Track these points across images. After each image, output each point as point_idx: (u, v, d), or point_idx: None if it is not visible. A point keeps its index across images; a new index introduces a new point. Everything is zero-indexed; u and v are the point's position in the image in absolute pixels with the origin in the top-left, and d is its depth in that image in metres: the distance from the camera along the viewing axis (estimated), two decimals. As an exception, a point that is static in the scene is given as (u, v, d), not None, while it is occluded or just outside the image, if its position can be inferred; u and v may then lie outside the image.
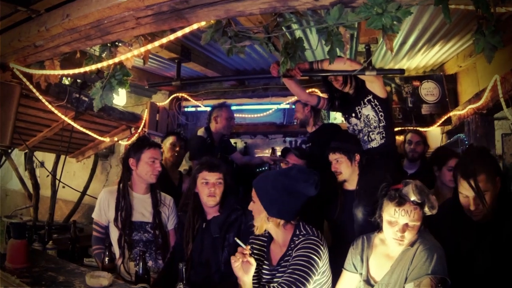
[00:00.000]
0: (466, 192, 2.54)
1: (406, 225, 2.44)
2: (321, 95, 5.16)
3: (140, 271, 2.88)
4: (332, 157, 3.57)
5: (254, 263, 2.54)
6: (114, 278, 2.59)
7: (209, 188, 3.18)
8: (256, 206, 2.71)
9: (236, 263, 2.53)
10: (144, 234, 3.46)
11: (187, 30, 2.86)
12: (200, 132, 5.08)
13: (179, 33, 2.95)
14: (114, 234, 3.45)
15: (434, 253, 2.36)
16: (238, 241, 2.66)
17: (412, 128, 5.52)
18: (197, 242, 3.21)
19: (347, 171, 3.53)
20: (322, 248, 2.58)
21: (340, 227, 3.56)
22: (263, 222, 2.70)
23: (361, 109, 3.79)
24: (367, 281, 2.62)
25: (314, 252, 2.54)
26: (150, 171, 3.48)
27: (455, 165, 2.79)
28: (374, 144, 3.74)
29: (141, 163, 3.48)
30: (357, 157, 3.54)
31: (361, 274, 2.68)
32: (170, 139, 4.92)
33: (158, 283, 3.14)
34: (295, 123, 6.27)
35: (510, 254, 2.42)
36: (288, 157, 4.24)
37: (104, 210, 3.51)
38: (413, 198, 2.44)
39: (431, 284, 2.31)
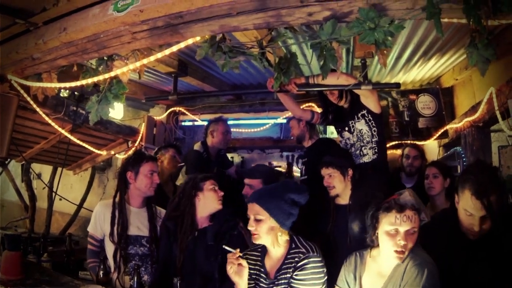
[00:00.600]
0: (474, 211, 2.47)
1: (408, 232, 2.41)
2: (316, 109, 5.19)
3: (135, 285, 2.87)
4: (325, 171, 3.54)
5: (246, 265, 2.66)
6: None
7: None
8: (265, 226, 2.68)
9: (231, 269, 2.62)
10: (140, 248, 3.44)
11: (182, 45, 2.88)
12: (197, 146, 5.08)
13: (175, 48, 2.96)
14: (109, 248, 3.43)
15: (424, 269, 2.33)
16: (227, 248, 2.71)
17: (410, 142, 5.52)
18: (188, 252, 3.20)
19: (340, 186, 3.49)
20: (324, 268, 2.64)
21: (332, 242, 3.52)
22: (275, 239, 2.71)
23: (355, 123, 3.81)
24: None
25: (320, 276, 2.60)
26: (149, 184, 3.47)
27: (459, 180, 2.67)
28: (366, 159, 3.76)
29: (140, 176, 3.47)
30: (350, 172, 3.51)
31: None
32: (170, 151, 4.89)
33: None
34: (292, 138, 6.30)
35: (509, 269, 2.41)
36: (245, 181, 4.05)
37: (99, 224, 3.49)
38: (412, 202, 2.45)
39: None
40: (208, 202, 3.32)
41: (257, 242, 2.77)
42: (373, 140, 3.72)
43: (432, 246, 2.58)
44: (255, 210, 2.71)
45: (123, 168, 3.58)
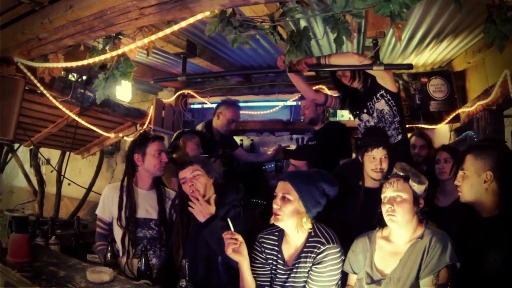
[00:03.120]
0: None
1: (394, 198, 2.50)
2: (328, 92, 5.11)
3: (142, 267, 2.86)
4: (380, 153, 3.32)
5: (243, 241, 2.64)
6: (115, 274, 2.56)
7: (188, 184, 3.10)
8: (291, 207, 2.64)
9: (229, 249, 2.61)
10: (149, 231, 3.43)
11: (191, 20, 2.81)
12: (199, 127, 5.05)
13: (183, 24, 2.90)
14: (117, 232, 3.42)
15: (448, 242, 2.37)
16: (229, 222, 2.70)
17: (416, 130, 5.45)
18: (193, 239, 3.15)
19: (386, 169, 3.29)
20: (342, 256, 2.65)
21: (360, 225, 3.35)
22: (299, 224, 2.66)
23: (374, 104, 3.73)
24: (372, 277, 2.56)
25: (338, 266, 2.61)
26: (157, 164, 3.46)
27: None
28: (392, 140, 3.67)
29: (147, 157, 3.45)
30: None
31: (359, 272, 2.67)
32: (195, 139, 4.63)
33: (160, 279, 3.10)
34: (301, 120, 6.23)
35: None
36: (292, 162, 4.07)
37: (107, 206, 3.48)
38: (394, 171, 2.58)
39: (448, 272, 2.34)
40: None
41: (279, 224, 2.71)
42: (395, 120, 3.65)
43: (450, 227, 2.65)
44: (285, 188, 2.67)
45: (129, 151, 3.56)
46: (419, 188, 2.50)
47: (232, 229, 2.67)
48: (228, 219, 2.73)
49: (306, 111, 4.90)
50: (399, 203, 2.50)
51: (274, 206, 2.67)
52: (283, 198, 2.65)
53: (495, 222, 2.47)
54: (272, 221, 2.76)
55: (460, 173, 2.61)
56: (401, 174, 2.54)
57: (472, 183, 2.53)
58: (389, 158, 3.32)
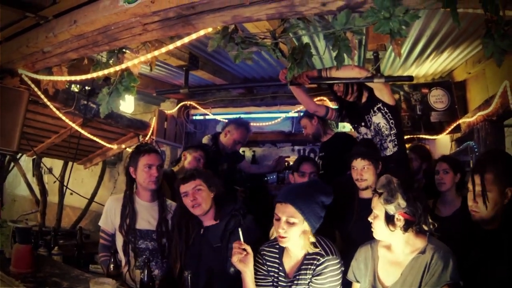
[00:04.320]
0: (470, 186, 2.49)
1: (372, 213, 2.58)
2: (330, 104, 5.14)
3: (145, 279, 2.87)
4: (360, 163, 3.39)
5: (251, 252, 2.63)
6: (118, 285, 2.58)
7: (190, 199, 3.10)
8: (297, 229, 2.62)
9: (235, 258, 2.61)
10: (151, 242, 3.43)
11: (194, 36, 2.86)
12: (205, 139, 5.06)
13: (186, 40, 2.94)
14: (119, 241, 3.43)
15: (449, 260, 2.35)
16: (240, 232, 2.69)
17: (416, 142, 5.47)
18: (194, 250, 3.15)
19: (371, 179, 3.36)
20: (342, 268, 2.65)
21: (355, 236, 3.35)
22: (306, 242, 2.67)
23: (371, 117, 3.76)
24: (374, 287, 2.58)
25: (338, 277, 2.61)
26: (147, 178, 3.43)
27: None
28: (387, 153, 3.71)
29: (139, 171, 3.45)
30: (380, 166, 3.41)
31: (361, 281, 2.68)
32: (197, 153, 4.55)
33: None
34: (303, 132, 6.25)
35: None
36: (303, 167, 4.06)
37: (111, 218, 3.50)
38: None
39: None
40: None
41: (285, 245, 2.71)
42: (391, 132, 3.67)
43: (452, 237, 2.62)
44: (288, 212, 2.62)
45: (126, 163, 3.59)
46: (389, 208, 2.45)
47: (242, 239, 2.68)
48: (240, 229, 2.73)
49: (305, 130, 4.91)
50: (374, 219, 2.56)
51: (280, 230, 2.62)
52: (288, 221, 2.62)
53: (497, 234, 2.46)
54: (274, 235, 2.78)
55: (486, 196, 2.44)
56: (378, 190, 2.54)
57: (496, 203, 2.42)
58: (374, 168, 3.38)
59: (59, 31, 3.12)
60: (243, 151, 6.67)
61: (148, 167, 3.43)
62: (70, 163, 6.48)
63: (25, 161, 8.79)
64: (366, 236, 2.74)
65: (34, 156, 7.22)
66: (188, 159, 4.51)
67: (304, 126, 4.90)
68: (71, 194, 6.80)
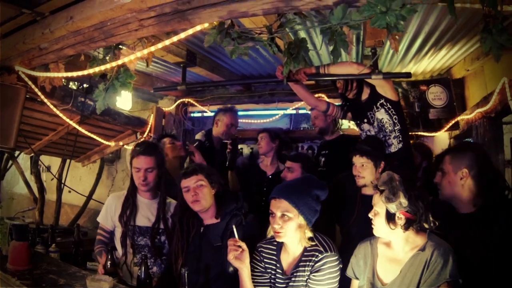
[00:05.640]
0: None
1: (373, 210, 2.60)
2: (328, 100, 5.12)
3: (142, 276, 2.86)
4: (358, 160, 3.40)
5: (246, 249, 2.64)
6: (115, 282, 2.57)
7: (191, 194, 3.07)
8: (292, 224, 2.63)
9: (231, 255, 2.61)
10: (150, 239, 3.43)
11: (190, 31, 2.84)
12: (199, 136, 5.04)
13: (183, 35, 2.92)
14: (118, 234, 3.44)
15: (449, 257, 2.34)
16: (234, 230, 2.70)
17: (416, 139, 5.46)
18: (194, 248, 3.13)
19: (369, 177, 3.35)
20: (340, 264, 2.65)
21: (355, 232, 3.37)
22: (302, 237, 2.67)
23: (374, 113, 3.73)
24: (373, 284, 2.57)
25: (336, 274, 2.62)
26: (136, 180, 3.45)
27: None
28: (392, 149, 3.67)
29: (132, 172, 3.48)
30: (382, 164, 3.38)
31: (360, 278, 2.67)
32: (166, 142, 4.61)
33: (160, 288, 3.11)
34: (301, 129, 6.24)
35: (498, 247, 2.45)
36: (286, 164, 4.09)
37: (110, 215, 3.49)
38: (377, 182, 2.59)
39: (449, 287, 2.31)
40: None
41: (281, 240, 2.71)
42: (395, 128, 3.64)
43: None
44: (282, 207, 2.63)
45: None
46: (390, 206, 2.44)
47: (236, 236, 2.67)
48: (234, 226, 2.73)
49: (316, 121, 4.89)
50: (375, 216, 2.56)
51: (275, 226, 2.63)
52: (283, 216, 2.62)
53: (472, 219, 2.60)
54: (271, 234, 2.77)
55: (439, 172, 2.82)
56: (379, 187, 2.52)
57: (450, 180, 2.73)
58: (374, 166, 3.37)
59: (56, 27, 3.11)
60: (241, 148, 6.65)
61: (137, 170, 3.43)
62: (68, 161, 6.47)
63: (23, 159, 8.80)
64: (367, 233, 2.74)
65: (32, 154, 7.22)
66: (168, 150, 4.49)
67: (316, 116, 4.87)
68: (69, 192, 6.81)
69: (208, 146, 4.90)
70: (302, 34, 4.38)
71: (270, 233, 2.79)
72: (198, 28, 2.73)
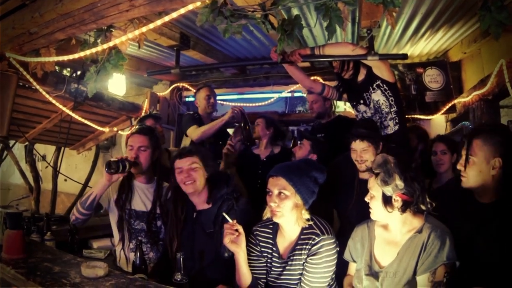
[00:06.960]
0: (463, 151, 2.50)
1: (369, 194, 2.53)
2: (323, 82, 5.08)
3: (137, 261, 2.84)
4: (359, 145, 3.32)
5: (243, 232, 2.59)
6: (110, 269, 2.54)
7: (184, 175, 3.00)
8: (289, 202, 2.59)
9: (227, 239, 2.56)
10: (146, 224, 3.40)
11: (182, 11, 2.79)
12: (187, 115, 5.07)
13: (174, 15, 2.87)
14: (114, 218, 3.42)
15: (446, 239, 2.31)
16: (226, 216, 2.65)
17: (411, 122, 5.44)
18: (188, 234, 3.09)
19: (372, 160, 3.17)
20: (337, 248, 2.61)
21: (354, 216, 3.27)
22: (299, 217, 2.63)
23: (370, 95, 3.69)
24: (371, 267, 2.55)
25: (333, 257, 2.58)
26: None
27: None
28: (389, 131, 3.64)
29: (127, 153, 3.44)
30: (381, 145, 3.32)
31: (357, 261, 2.65)
32: (148, 123, 4.46)
33: (155, 273, 3.07)
34: (297, 112, 6.19)
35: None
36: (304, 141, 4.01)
37: (107, 192, 3.43)
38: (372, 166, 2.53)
39: (445, 270, 2.28)
40: None
41: (278, 220, 2.66)
42: (392, 110, 3.60)
43: (444, 209, 2.56)
44: (280, 184, 2.60)
45: None
46: (386, 189, 2.40)
47: (230, 221, 2.64)
48: (224, 214, 2.69)
49: (315, 105, 4.84)
50: (371, 199, 2.51)
51: (272, 204, 2.60)
52: (280, 194, 2.60)
53: (494, 208, 2.45)
54: (267, 215, 2.74)
55: (470, 159, 2.46)
56: (374, 170, 2.48)
57: (481, 170, 2.43)
58: (375, 149, 3.29)
59: (45, 11, 3.06)
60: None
61: (130, 148, 3.39)
62: (62, 149, 6.43)
63: (18, 148, 8.76)
64: (365, 217, 2.70)
65: (26, 143, 7.18)
66: None
67: (314, 101, 4.82)
68: (65, 180, 6.78)
69: (197, 117, 4.89)
70: (296, 11, 4.32)
71: (266, 215, 2.75)
72: (190, 7, 2.68)
